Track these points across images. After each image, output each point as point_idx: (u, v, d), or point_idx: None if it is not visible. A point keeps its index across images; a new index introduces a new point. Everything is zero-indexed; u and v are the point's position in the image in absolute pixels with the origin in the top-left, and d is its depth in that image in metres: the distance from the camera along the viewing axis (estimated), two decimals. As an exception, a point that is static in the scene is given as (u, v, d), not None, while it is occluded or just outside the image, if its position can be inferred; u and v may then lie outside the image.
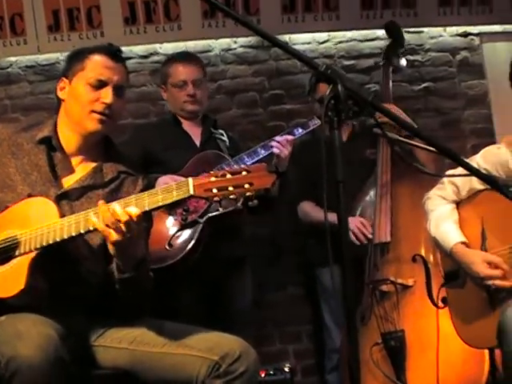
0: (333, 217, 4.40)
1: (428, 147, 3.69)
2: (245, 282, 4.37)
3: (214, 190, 2.48)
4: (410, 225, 4.22)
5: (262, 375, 4.72)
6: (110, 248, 2.59)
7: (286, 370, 4.82)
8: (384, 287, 4.19)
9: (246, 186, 2.46)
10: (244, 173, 2.48)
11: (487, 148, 3.31)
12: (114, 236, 2.50)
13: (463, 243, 3.20)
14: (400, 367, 3.99)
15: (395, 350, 4.02)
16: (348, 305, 2.04)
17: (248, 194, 2.48)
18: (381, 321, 4.12)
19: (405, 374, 3.98)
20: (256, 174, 2.48)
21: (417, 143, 3.99)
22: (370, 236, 4.33)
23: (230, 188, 2.47)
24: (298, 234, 5.13)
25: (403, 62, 4.90)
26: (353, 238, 4.33)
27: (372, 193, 4.47)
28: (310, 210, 4.72)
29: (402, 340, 4.02)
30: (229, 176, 2.49)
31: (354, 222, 4.36)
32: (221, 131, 4.36)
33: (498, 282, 2.98)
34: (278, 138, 4.01)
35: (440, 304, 3.54)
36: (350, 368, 2.10)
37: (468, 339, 3.21)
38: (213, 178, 2.49)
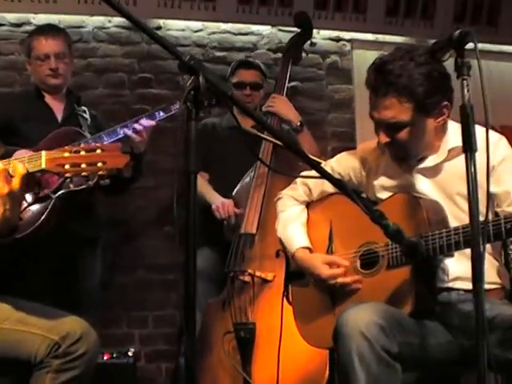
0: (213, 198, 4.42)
1: (278, 142, 3.79)
2: (94, 263, 4.31)
3: (67, 166, 2.46)
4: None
5: (106, 358, 4.71)
6: None
7: (130, 354, 4.82)
8: (243, 278, 4.22)
9: (99, 164, 2.44)
10: (98, 151, 2.46)
11: (343, 153, 3.37)
12: None
13: (306, 248, 3.25)
14: (247, 358, 4.03)
15: (244, 341, 4.05)
16: (188, 291, 2.03)
17: (100, 172, 2.46)
18: (236, 310, 4.15)
19: (250, 366, 4.02)
20: (110, 153, 2.47)
21: (271, 139, 4.07)
22: (232, 213, 4.40)
23: (83, 165, 2.45)
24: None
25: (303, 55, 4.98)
26: (216, 215, 4.45)
27: (248, 179, 4.52)
28: (199, 181, 4.72)
29: (252, 332, 4.06)
30: (83, 153, 2.46)
31: (220, 202, 4.49)
32: (84, 108, 4.31)
33: (340, 280, 3.04)
34: (140, 121, 3.99)
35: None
36: (185, 358, 2.11)
37: (309, 338, 3.25)
38: (66, 154, 2.46)
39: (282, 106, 4.62)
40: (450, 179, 2.95)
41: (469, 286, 2.33)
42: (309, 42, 4.96)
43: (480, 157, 2.26)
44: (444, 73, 2.84)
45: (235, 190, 4.56)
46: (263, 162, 4.07)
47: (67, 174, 2.48)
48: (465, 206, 2.30)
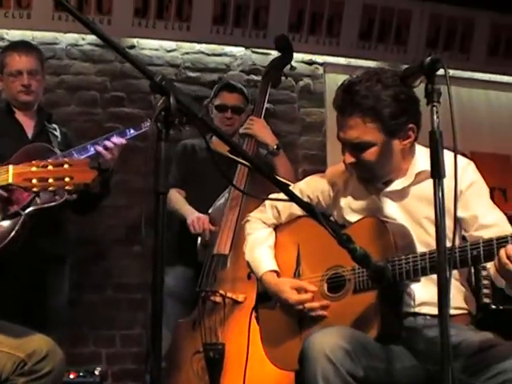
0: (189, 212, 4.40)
1: (247, 164, 3.79)
2: (62, 281, 4.29)
3: (34, 181, 2.45)
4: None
5: (72, 376, 4.67)
6: None
7: (97, 373, 4.78)
8: (214, 298, 4.20)
9: (67, 179, 2.44)
10: (66, 166, 2.46)
11: (312, 176, 3.38)
12: None
13: (274, 271, 3.24)
14: (215, 379, 3.99)
15: (213, 361, 4.01)
16: (154, 310, 2.03)
17: (68, 187, 2.45)
18: (206, 330, 4.13)
19: (218, 387, 4.00)
20: (77, 168, 2.46)
21: (242, 161, 4.07)
22: (207, 228, 4.39)
23: (50, 180, 2.44)
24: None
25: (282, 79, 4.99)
26: (191, 229, 4.44)
27: (223, 200, 4.52)
28: (175, 197, 4.74)
29: (222, 353, 4.02)
30: (50, 167, 2.46)
31: (196, 217, 4.49)
32: (54, 126, 4.30)
33: (308, 305, 3.04)
34: (111, 138, 3.98)
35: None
36: (150, 375, 2.10)
37: (275, 360, 3.23)
38: (34, 168, 2.46)
39: (259, 128, 4.62)
40: (417, 203, 2.97)
41: (435, 311, 2.34)
42: (288, 66, 4.96)
43: (448, 182, 2.28)
44: (411, 96, 2.86)
45: (210, 210, 4.55)
46: (232, 183, 4.06)
47: (34, 189, 2.47)
48: (432, 230, 2.31)
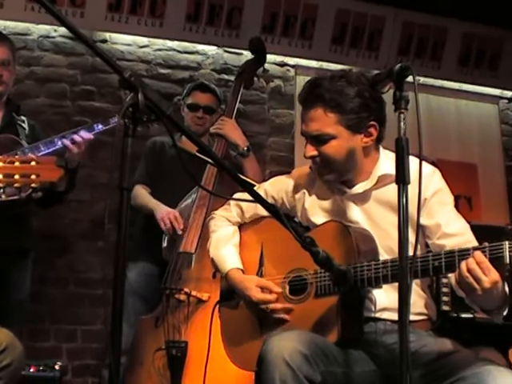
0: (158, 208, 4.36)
1: (212, 162, 3.77)
2: (24, 276, 4.26)
3: (0, 176, 2.42)
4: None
5: (32, 370, 4.64)
6: None
7: (57, 367, 4.75)
8: (179, 296, 4.18)
9: (33, 176, 2.42)
10: (33, 163, 2.43)
11: (278, 177, 3.39)
12: None
13: (239, 269, 3.24)
14: (176, 377, 3.98)
15: (175, 359, 4.01)
16: (116, 305, 2.01)
17: (33, 185, 2.43)
18: (169, 328, 4.12)
19: (179, 384, 4.01)
20: (44, 166, 2.44)
21: (208, 159, 4.05)
22: (178, 228, 4.37)
23: (16, 176, 2.42)
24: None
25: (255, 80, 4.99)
26: (161, 224, 4.40)
27: (190, 200, 4.50)
28: (140, 193, 4.72)
29: (184, 351, 4.02)
30: (17, 164, 2.43)
31: (165, 211, 4.45)
32: (23, 118, 4.27)
33: (271, 306, 3.04)
34: (79, 132, 3.96)
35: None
36: (109, 370, 2.08)
37: (235, 360, 3.23)
38: (0, 163, 2.43)
39: (230, 129, 4.61)
40: (380, 208, 2.98)
41: (395, 316, 2.36)
42: (261, 68, 4.97)
43: (412, 188, 2.29)
44: (376, 95, 2.87)
45: (177, 208, 4.52)
46: (198, 183, 4.04)
47: (0, 184, 2.44)
48: (395, 235, 2.31)
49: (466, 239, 2.83)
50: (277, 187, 3.30)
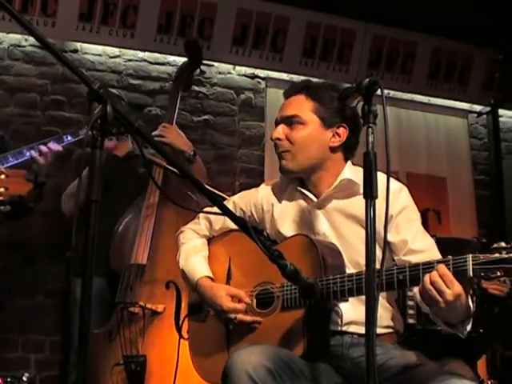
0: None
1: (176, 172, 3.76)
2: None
3: (-32, 188, 2.41)
4: (168, 250, 4.06)
5: (-1, 382, 4.60)
6: None
7: (25, 379, 4.70)
8: (133, 310, 4.15)
9: (1, 189, 2.41)
10: (2, 176, 2.43)
11: (246, 190, 3.40)
12: None
13: (209, 277, 3.23)
14: (138, 391, 3.97)
15: (135, 374, 3.99)
16: (83, 320, 2.01)
17: (1, 198, 2.42)
18: (125, 342, 4.09)
19: (141, 399, 3.95)
20: (13, 179, 2.44)
21: (174, 170, 4.04)
22: None
23: (-16, 188, 2.41)
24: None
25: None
26: None
27: (132, 214, 4.47)
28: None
29: (143, 365, 4.00)
30: (-14, 176, 2.43)
31: None
32: (-9, 128, 4.24)
33: (239, 316, 3.03)
34: (48, 144, 3.94)
35: (185, 335, 3.46)
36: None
37: (202, 372, 3.22)
38: (-31, 177, 2.42)
39: (173, 136, 4.53)
40: (347, 221, 3.00)
41: (362, 330, 2.36)
42: (198, 70, 4.98)
43: (379, 204, 2.30)
44: (354, 108, 2.96)
45: (119, 229, 4.47)
46: (161, 188, 4.04)
47: (-33, 197, 2.43)
48: (362, 249, 2.32)
49: (432, 255, 2.83)
50: (245, 199, 3.31)
